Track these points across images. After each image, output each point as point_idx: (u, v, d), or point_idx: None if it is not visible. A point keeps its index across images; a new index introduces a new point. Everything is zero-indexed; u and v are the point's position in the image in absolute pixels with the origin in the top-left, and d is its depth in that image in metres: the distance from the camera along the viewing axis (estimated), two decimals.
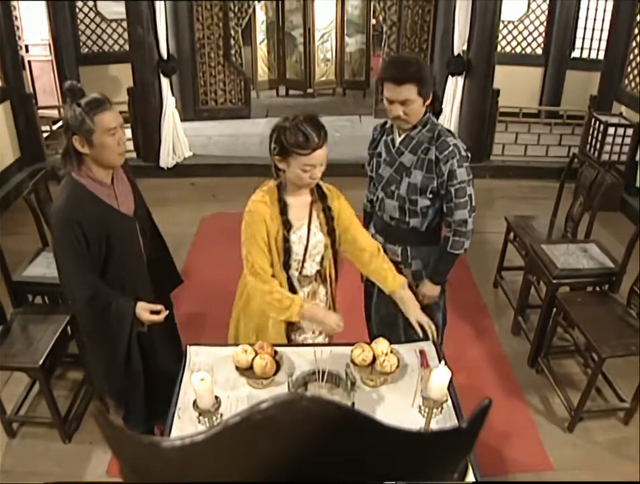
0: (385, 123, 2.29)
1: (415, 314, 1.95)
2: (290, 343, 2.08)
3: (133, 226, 2.07)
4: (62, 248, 1.93)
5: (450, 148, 2.08)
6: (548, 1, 6.57)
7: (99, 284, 1.97)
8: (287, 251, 1.92)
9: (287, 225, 1.89)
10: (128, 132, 4.93)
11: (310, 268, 2.03)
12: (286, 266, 1.96)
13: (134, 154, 5.46)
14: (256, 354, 1.83)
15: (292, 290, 2.00)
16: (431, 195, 2.16)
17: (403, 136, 2.16)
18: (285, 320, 1.98)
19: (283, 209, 1.89)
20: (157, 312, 2.05)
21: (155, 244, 2.27)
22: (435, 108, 2.17)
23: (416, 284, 2.30)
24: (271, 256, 1.91)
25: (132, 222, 2.07)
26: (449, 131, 2.16)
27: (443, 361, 1.79)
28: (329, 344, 2.04)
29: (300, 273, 2.01)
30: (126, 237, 2.04)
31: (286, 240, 1.90)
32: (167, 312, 2.09)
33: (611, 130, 5.08)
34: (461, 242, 2.19)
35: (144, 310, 2.01)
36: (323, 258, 2.04)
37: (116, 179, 2.01)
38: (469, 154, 2.13)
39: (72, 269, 1.95)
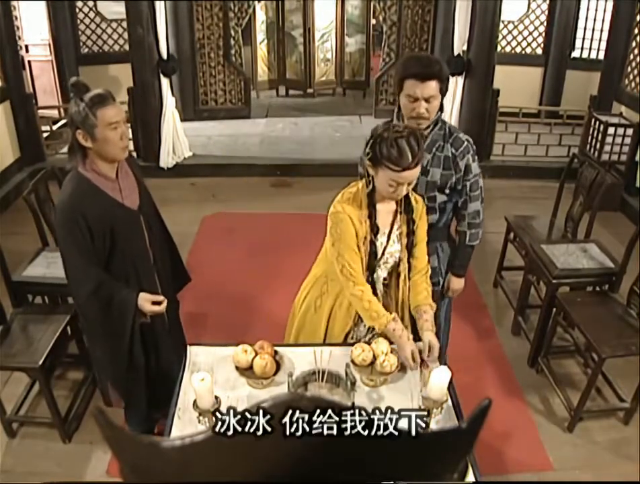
0: (388, 122, 2.26)
1: (429, 334, 1.91)
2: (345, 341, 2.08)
3: (137, 220, 2.09)
4: (67, 241, 1.95)
5: (465, 144, 2.16)
6: (548, 1, 6.57)
7: (103, 277, 1.99)
8: (374, 254, 1.93)
9: (374, 229, 1.90)
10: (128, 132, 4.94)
11: (381, 273, 2.02)
12: (370, 269, 1.95)
13: (134, 154, 5.46)
14: (256, 354, 1.83)
15: (374, 291, 1.98)
16: (448, 191, 2.21)
17: None
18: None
19: (372, 213, 1.89)
20: (159, 303, 2.06)
21: (162, 240, 2.28)
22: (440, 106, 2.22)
23: (431, 281, 2.28)
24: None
25: (137, 216, 2.08)
26: (455, 127, 2.24)
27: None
28: (328, 344, 2.04)
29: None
30: (130, 231, 2.05)
31: (373, 243, 1.91)
32: (166, 302, 2.09)
33: (611, 130, 5.08)
34: (477, 233, 2.29)
35: (145, 300, 2.02)
36: (393, 267, 2.03)
37: (121, 173, 2.03)
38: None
39: (77, 263, 1.97)
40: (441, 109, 2.18)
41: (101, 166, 1.95)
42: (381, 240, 1.94)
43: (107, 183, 1.98)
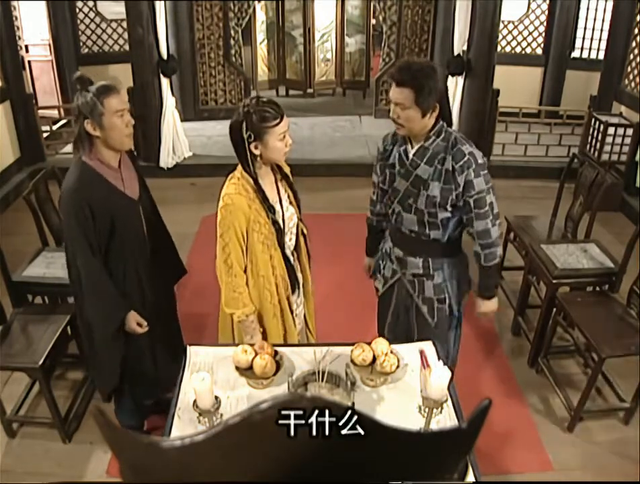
0: (395, 132, 2.19)
1: None
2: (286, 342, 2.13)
3: (137, 209, 2.17)
4: (71, 225, 2.02)
5: (466, 158, 1.99)
6: (548, 1, 6.58)
7: (104, 274, 2.08)
8: (278, 231, 2.01)
9: (271, 208, 1.98)
10: None
11: (290, 242, 2.12)
12: (280, 244, 2.04)
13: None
14: (256, 354, 1.83)
15: (289, 267, 2.09)
16: (451, 208, 2.07)
17: (417, 147, 2.07)
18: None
19: (264, 195, 1.96)
20: (141, 325, 2.19)
21: (159, 231, 2.35)
22: (446, 119, 2.07)
23: (437, 298, 2.23)
24: (260, 238, 1.98)
25: (136, 206, 2.17)
26: (465, 139, 2.07)
27: (442, 362, 1.79)
28: (329, 344, 2.04)
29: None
30: (129, 220, 2.13)
31: (275, 222, 1.99)
32: (147, 328, 2.20)
33: (611, 130, 5.07)
34: (492, 253, 2.13)
35: (133, 319, 2.15)
36: (297, 232, 2.14)
37: (123, 163, 2.13)
38: (486, 161, 2.05)
39: (79, 250, 2.04)
40: (444, 119, 2.05)
41: (105, 154, 2.04)
42: (276, 209, 2.01)
43: (109, 171, 2.07)
